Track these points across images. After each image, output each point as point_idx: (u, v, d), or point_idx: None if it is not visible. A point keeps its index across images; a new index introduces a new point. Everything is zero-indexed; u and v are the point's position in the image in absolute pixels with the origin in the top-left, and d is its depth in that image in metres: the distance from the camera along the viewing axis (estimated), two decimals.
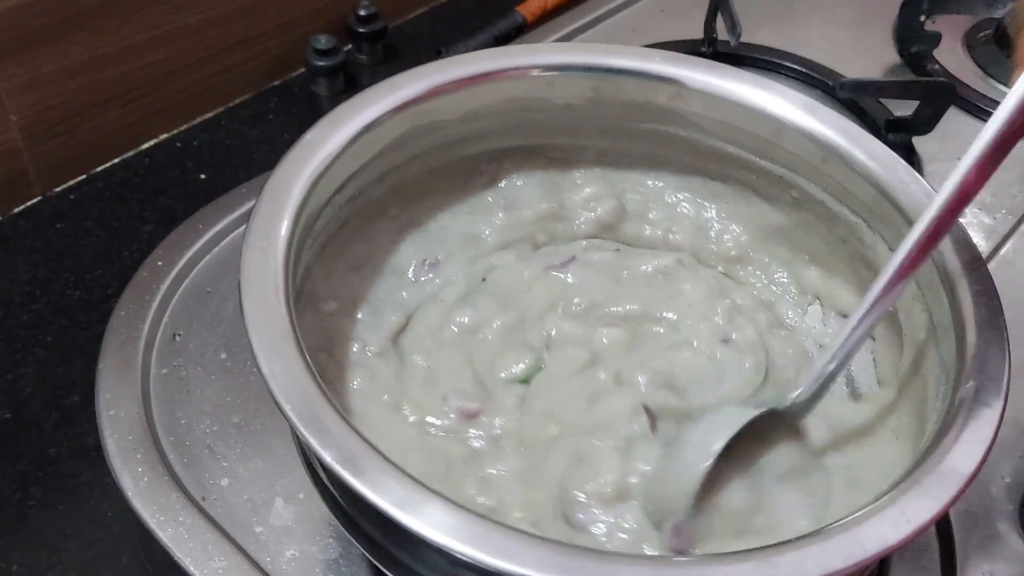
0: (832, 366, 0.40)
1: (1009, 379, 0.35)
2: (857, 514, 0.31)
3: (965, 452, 0.32)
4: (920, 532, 0.30)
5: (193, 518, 0.45)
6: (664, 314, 0.49)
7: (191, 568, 0.43)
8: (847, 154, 0.45)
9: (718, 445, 0.39)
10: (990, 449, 0.33)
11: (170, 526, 0.44)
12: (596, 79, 0.50)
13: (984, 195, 0.68)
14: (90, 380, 0.51)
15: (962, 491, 0.31)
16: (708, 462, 0.38)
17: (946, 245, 0.41)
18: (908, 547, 0.48)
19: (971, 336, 0.37)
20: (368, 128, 0.44)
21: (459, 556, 0.29)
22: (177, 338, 0.53)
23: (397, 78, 0.46)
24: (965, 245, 0.41)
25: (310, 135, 0.43)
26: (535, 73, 0.49)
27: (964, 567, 0.47)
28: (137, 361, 0.51)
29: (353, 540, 0.36)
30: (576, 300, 0.50)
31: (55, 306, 0.61)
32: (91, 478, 0.53)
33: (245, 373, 0.52)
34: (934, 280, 0.40)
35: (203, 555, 0.43)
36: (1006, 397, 0.34)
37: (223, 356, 0.52)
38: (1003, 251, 0.64)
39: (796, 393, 0.41)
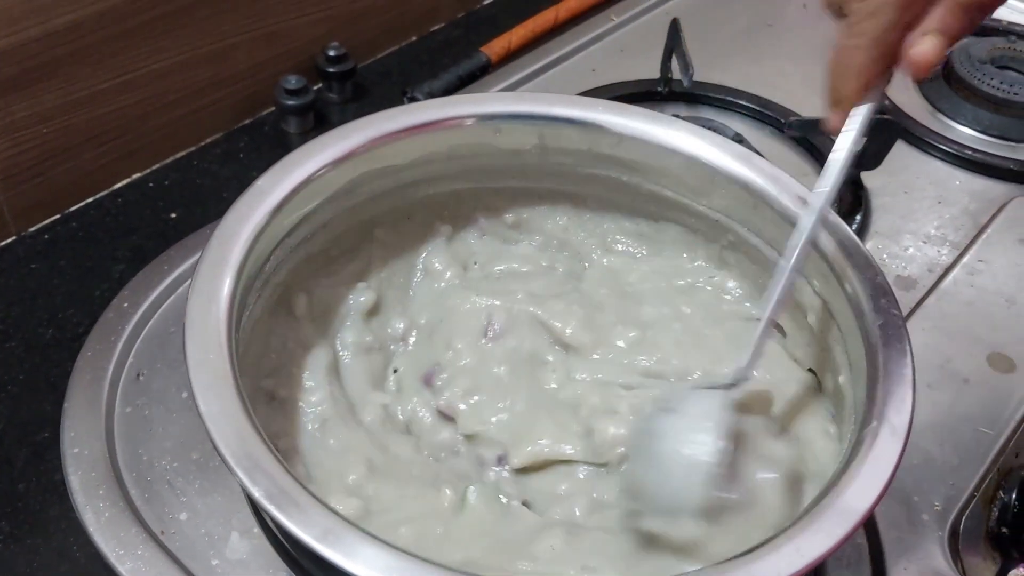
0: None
1: (911, 422, 0.37)
2: (756, 549, 0.33)
3: (862, 490, 0.34)
4: (812, 566, 0.32)
5: (152, 551, 0.47)
6: None
7: None
8: (775, 201, 0.48)
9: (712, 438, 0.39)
10: (886, 489, 0.35)
11: (129, 559, 0.46)
12: (541, 127, 0.52)
13: (929, 229, 0.70)
14: (60, 417, 0.52)
15: (856, 528, 0.33)
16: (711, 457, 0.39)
17: (866, 293, 0.43)
18: (841, 571, 0.49)
19: (881, 379, 0.39)
20: (317, 175, 0.46)
21: None
22: (141, 377, 0.55)
23: (348, 126, 0.49)
24: (883, 293, 0.43)
25: (261, 181, 0.45)
26: (482, 122, 0.51)
27: None
28: (102, 400, 0.53)
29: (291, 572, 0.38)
30: None
31: (28, 344, 0.63)
32: (59, 512, 0.55)
33: None
34: (852, 326, 0.43)
35: None
36: (906, 439, 0.36)
37: (185, 395, 0.54)
38: (945, 283, 0.66)
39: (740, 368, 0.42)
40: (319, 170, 0.45)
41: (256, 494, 0.32)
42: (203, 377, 0.35)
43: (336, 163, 0.46)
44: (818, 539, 0.33)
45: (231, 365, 0.36)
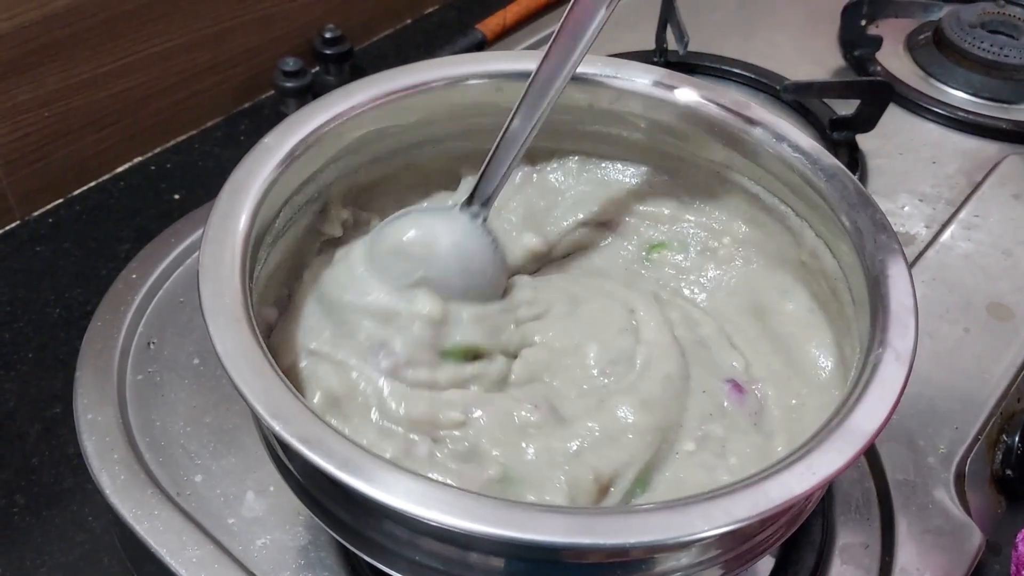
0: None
1: (915, 347, 0.38)
2: (769, 468, 0.33)
3: (870, 412, 0.35)
4: (824, 484, 0.33)
5: (168, 512, 0.47)
6: None
7: (167, 558, 0.45)
8: (775, 148, 0.48)
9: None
10: (893, 409, 0.35)
11: (146, 520, 0.47)
12: None
13: (924, 188, 0.71)
14: (70, 392, 0.53)
15: (865, 447, 0.34)
16: None
17: (867, 230, 0.44)
18: (850, 515, 0.50)
19: (883, 309, 0.40)
20: (323, 132, 0.47)
21: (411, 516, 0.31)
22: (152, 346, 0.55)
23: (352, 86, 0.49)
24: (883, 229, 0.44)
25: (268, 139, 0.45)
26: (484, 80, 0.52)
27: (902, 532, 0.49)
28: (113, 368, 0.53)
29: (313, 515, 0.38)
30: None
31: (35, 324, 0.63)
32: (73, 484, 0.55)
33: (217, 377, 0.54)
34: (854, 263, 0.43)
35: (178, 545, 0.46)
36: (911, 363, 0.37)
37: (196, 362, 0.55)
38: (943, 238, 0.67)
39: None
40: (323, 125, 0.46)
41: (277, 427, 0.32)
42: (219, 319, 0.35)
43: (341, 120, 0.47)
44: (830, 457, 0.33)
45: (246, 307, 0.36)
